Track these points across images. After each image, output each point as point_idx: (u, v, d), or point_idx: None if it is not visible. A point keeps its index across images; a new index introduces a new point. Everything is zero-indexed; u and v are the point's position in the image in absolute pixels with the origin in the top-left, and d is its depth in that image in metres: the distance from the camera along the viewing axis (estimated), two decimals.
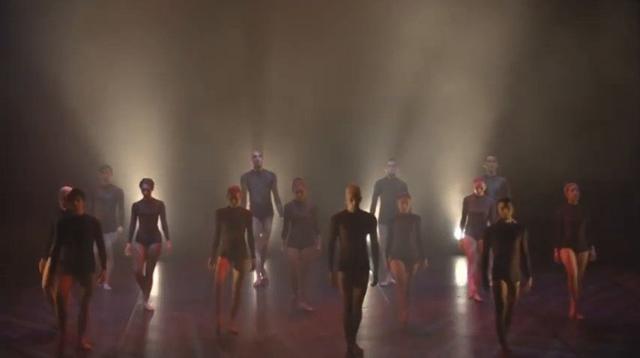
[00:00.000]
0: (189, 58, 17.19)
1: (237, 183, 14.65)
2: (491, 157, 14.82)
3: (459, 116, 17.27)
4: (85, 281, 10.97)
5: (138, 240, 13.26)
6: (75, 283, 10.99)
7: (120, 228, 14.70)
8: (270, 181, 14.85)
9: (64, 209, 11.79)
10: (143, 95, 16.79)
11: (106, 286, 14.47)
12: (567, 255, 12.47)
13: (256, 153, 14.92)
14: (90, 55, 16.66)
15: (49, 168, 16.23)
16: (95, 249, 11.20)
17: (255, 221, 14.51)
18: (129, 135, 16.90)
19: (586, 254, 12.51)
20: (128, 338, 11.80)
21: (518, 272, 10.83)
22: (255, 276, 14.86)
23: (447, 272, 16.16)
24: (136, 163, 16.57)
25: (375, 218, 11.22)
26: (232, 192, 12.06)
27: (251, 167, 14.94)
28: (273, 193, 14.87)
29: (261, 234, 14.73)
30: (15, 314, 12.94)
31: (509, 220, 10.93)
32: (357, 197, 10.80)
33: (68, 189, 11.86)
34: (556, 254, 12.59)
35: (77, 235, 10.93)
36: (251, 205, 14.75)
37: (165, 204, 13.59)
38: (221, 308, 11.94)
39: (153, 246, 13.25)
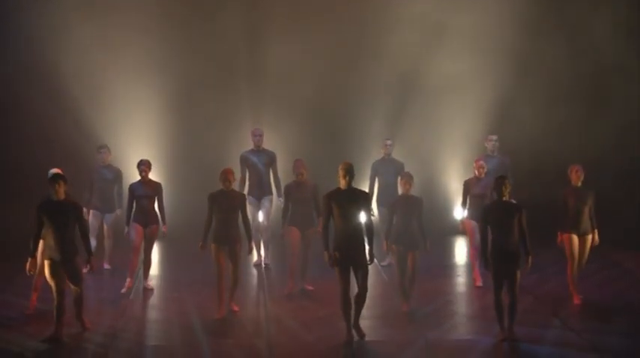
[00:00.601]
0: (188, 38, 17.12)
1: (237, 162, 14.65)
2: (492, 136, 14.73)
3: (460, 94, 17.19)
4: (70, 267, 10.83)
5: (135, 221, 13.22)
6: (60, 269, 10.82)
7: (118, 211, 14.65)
8: (270, 161, 14.65)
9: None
10: (142, 75, 16.73)
11: (106, 265, 14.51)
12: (569, 242, 12.30)
13: (256, 133, 14.79)
14: (87, 36, 16.61)
15: (49, 149, 16.21)
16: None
17: (253, 201, 14.57)
18: (128, 115, 16.86)
19: (589, 237, 12.36)
20: (129, 318, 11.84)
21: (519, 251, 10.79)
22: (255, 255, 14.75)
23: (446, 252, 16.12)
24: (136, 144, 16.54)
25: (367, 194, 11.14)
26: (225, 174, 11.86)
27: (251, 146, 14.82)
28: (273, 173, 14.66)
29: (261, 218, 14.63)
30: (15, 293, 12.94)
31: (506, 198, 10.83)
32: (350, 174, 10.69)
33: (57, 171, 11.83)
34: (559, 238, 12.44)
35: (58, 220, 10.76)
36: (250, 185, 14.64)
37: (163, 185, 13.56)
38: (223, 298, 11.85)
39: (151, 228, 13.24)
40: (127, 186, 13.60)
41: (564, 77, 17.05)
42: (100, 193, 14.44)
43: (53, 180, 10.83)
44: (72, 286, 10.95)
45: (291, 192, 13.09)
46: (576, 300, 12.32)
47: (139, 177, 13.39)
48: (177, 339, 10.93)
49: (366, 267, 10.79)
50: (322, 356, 10.34)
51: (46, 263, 10.83)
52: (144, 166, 13.26)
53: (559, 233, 12.42)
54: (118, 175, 14.74)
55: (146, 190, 13.24)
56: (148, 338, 11.10)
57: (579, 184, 12.30)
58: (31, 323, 11.53)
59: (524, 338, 10.68)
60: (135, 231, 13.21)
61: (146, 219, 13.22)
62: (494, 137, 14.70)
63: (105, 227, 14.68)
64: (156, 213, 13.35)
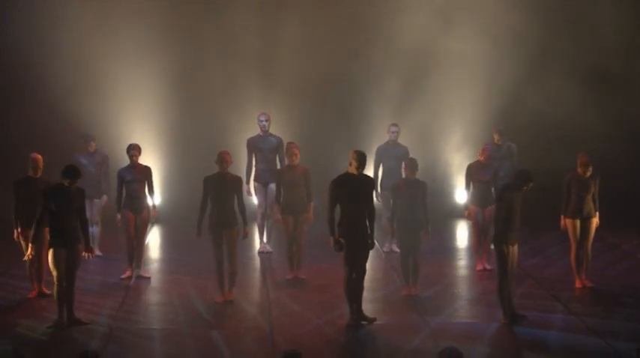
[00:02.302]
0: (190, 20, 17.04)
1: (240, 147, 14.58)
2: (500, 126, 14.51)
3: (468, 78, 17.02)
4: (72, 254, 10.77)
5: (125, 207, 12.95)
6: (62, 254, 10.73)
7: (105, 197, 14.44)
8: (277, 146, 14.37)
9: (31, 175, 11.82)
10: (145, 58, 16.64)
11: (98, 252, 14.12)
12: (572, 227, 12.30)
13: (262, 118, 14.50)
14: (87, 18, 16.52)
15: (50, 133, 16.18)
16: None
17: (259, 187, 14.50)
18: (129, 101, 16.76)
19: (594, 221, 12.34)
20: (130, 302, 11.87)
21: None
22: (258, 243, 14.72)
23: (447, 235, 16.10)
24: (137, 130, 16.40)
25: (372, 179, 11.17)
26: (222, 155, 11.75)
27: (257, 131, 14.61)
28: (280, 158, 14.34)
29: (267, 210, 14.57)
30: (14, 276, 13.00)
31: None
32: (362, 165, 10.69)
33: (37, 156, 11.88)
34: (562, 222, 12.41)
35: (66, 206, 10.70)
36: (256, 170, 14.43)
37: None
38: (224, 283, 11.80)
39: (142, 215, 13.02)
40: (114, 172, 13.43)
41: (577, 61, 16.89)
42: (86, 180, 14.11)
43: (68, 173, 10.69)
44: (69, 265, 10.77)
45: (282, 176, 12.98)
46: (578, 284, 12.31)
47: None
48: (182, 322, 10.94)
49: (368, 251, 10.83)
50: (328, 339, 10.34)
51: (52, 250, 10.71)
52: (134, 151, 12.97)
53: (562, 217, 12.41)
54: (105, 160, 14.52)
55: (135, 175, 12.95)
56: (151, 322, 11.14)
57: (587, 174, 12.24)
58: (35, 307, 11.57)
59: (530, 322, 10.70)
60: (126, 218, 12.98)
61: (137, 205, 12.95)
62: (502, 127, 14.56)
63: (93, 213, 14.38)
64: (146, 198, 13.09)
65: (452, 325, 10.85)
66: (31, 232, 11.02)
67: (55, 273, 10.68)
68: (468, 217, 13.63)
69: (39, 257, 11.76)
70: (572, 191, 12.28)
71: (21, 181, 12.01)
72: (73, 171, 10.73)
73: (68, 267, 10.72)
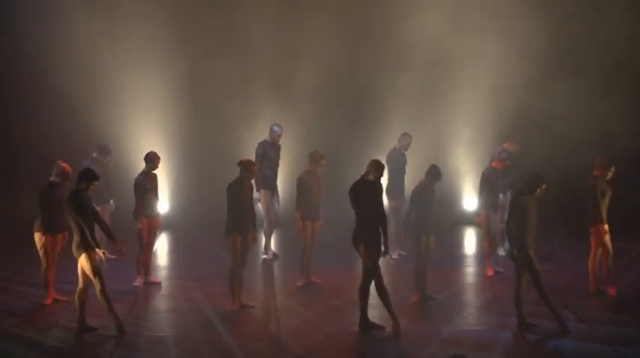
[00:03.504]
0: (198, 26, 17.08)
1: (251, 151, 14.58)
2: (519, 137, 14.44)
3: (478, 81, 16.96)
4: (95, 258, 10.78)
5: (142, 214, 12.96)
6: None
7: (112, 202, 14.53)
8: (280, 154, 14.67)
9: (56, 181, 11.85)
10: (154, 64, 16.69)
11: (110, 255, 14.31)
12: (605, 233, 12.11)
13: (276, 128, 14.50)
14: (95, 23, 16.57)
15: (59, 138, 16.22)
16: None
17: (268, 193, 14.52)
18: (137, 107, 16.81)
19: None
20: (141, 308, 11.91)
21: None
22: (264, 248, 14.75)
23: (455, 243, 16.08)
24: (148, 134, 16.41)
25: (382, 185, 11.20)
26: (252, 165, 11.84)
27: (264, 137, 14.60)
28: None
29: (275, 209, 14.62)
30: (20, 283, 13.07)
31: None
32: (380, 172, 10.81)
33: (64, 164, 11.97)
34: (592, 230, 12.15)
35: (91, 210, 10.81)
36: (266, 176, 14.42)
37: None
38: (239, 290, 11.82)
39: (156, 220, 13.18)
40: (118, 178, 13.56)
41: (592, 61, 16.80)
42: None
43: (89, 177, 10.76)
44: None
45: (304, 183, 12.91)
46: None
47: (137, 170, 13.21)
48: (193, 329, 10.93)
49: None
50: (338, 347, 10.30)
51: (89, 254, 10.61)
52: (158, 159, 13.13)
53: (591, 225, 12.15)
54: (111, 166, 14.58)
55: (151, 183, 13.10)
56: (160, 328, 11.15)
57: (610, 176, 12.15)
58: (48, 314, 11.59)
59: (545, 331, 10.66)
60: (143, 225, 13.00)
61: (151, 211, 13.08)
62: (520, 136, 14.42)
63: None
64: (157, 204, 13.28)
65: (462, 333, 10.80)
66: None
67: (97, 277, 10.57)
68: (479, 224, 13.59)
69: (55, 263, 11.88)
70: (599, 196, 12.07)
71: (48, 186, 11.97)
72: (92, 174, 10.76)
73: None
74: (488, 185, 13.33)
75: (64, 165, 12.03)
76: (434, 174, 12.11)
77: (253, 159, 12.66)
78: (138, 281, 13.06)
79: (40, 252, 11.94)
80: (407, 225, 12.13)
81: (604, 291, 12.18)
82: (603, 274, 12.22)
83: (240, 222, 11.71)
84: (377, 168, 10.81)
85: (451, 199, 17.07)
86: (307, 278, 12.99)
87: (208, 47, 17.11)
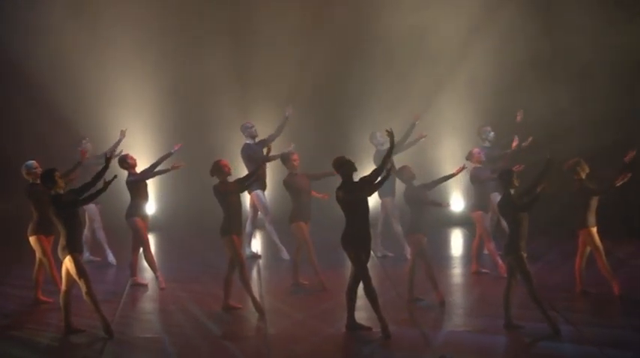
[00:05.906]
0: (183, 30, 17.07)
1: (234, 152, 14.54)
2: (487, 128, 14.65)
3: (461, 84, 17.03)
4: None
5: (137, 215, 13.00)
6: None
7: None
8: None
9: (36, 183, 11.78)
10: (138, 70, 16.66)
11: (91, 256, 14.44)
12: (596, 235, 12.10)
13: (249, 124, 14.57)
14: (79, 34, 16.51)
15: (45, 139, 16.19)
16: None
17: (260, 193, 14.53)
18: (127, 106, 16.77)
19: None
20: (125, 310, 11.88)
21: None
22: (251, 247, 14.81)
23: (443, 244, 16.08)
24: (135, 135, 16.35)
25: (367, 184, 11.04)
26: (224, 166, 11.81)
27: (245, 140, 14.60)
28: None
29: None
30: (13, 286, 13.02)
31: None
32: (350, 170, 10.71)
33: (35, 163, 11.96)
34: (583, 233, 12.13)
35: (77, 212, 10.82)
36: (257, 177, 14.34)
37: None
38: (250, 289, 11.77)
39: (147, 221, 13.27)
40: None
41: (575, 59, 16.80)
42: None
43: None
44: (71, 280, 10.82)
45: (294, 184, 12.84)
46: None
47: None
48: (182, 330, 10.93)
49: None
50: (328, 349, 10.35)
51: (74, 256, 10.61)
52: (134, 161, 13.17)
53: (582, 228, 12.10)
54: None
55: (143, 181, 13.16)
56: (150, 329, 11.15)
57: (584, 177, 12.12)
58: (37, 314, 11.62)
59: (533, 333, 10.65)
60: (142, 231, 13.00)
61: (146, 212, 13.20)
62: (488, 128, 14.60)
63: (87, 217, 14.42)
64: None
65: (450, 334, 10.78)
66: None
67: (83, 279, 10.56)
68: (474, 220, 13.59)
69: (43, 265, 11.93)
70: (590, 198, 12.03)
71: (32, 188, 11.97)
72: (48, 175, 10.67)
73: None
74: (478, 184, 13.37)
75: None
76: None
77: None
78: (142, 281, 13.05)
79: (39, 254, 11.92)
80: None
81: (589, 292, 12.21)
82: (603, 275, 12.21)
83: (235, 221, 11.68)
84: (341, 165, 10.69)
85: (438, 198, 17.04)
86: (317, 278, 12.81)
87: (195, 48, 17.09)
